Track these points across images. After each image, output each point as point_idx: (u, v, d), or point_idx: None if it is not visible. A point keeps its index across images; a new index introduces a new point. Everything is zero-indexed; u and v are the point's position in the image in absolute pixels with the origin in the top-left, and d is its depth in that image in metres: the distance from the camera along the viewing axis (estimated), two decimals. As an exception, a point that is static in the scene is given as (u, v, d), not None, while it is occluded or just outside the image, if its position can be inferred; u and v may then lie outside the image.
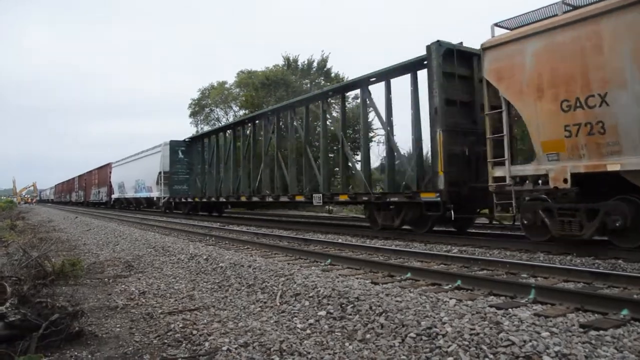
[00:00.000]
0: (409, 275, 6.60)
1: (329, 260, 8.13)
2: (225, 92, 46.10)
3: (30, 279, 5.73)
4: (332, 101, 20.47)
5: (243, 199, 19.72)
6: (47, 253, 8.01)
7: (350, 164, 16.22)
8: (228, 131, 23.04)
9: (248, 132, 20.97)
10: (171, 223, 19.42)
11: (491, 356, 3.44)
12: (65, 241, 14.09)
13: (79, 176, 59.77)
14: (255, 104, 38.05)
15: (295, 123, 17.54)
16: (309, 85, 39.23)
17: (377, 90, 13.46)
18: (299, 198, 16.13)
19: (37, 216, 32.58)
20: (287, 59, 43.14)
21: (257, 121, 20.37)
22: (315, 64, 42.47)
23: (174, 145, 26.89)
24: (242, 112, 41.17)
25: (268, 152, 19.10)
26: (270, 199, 17.73)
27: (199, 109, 48.46)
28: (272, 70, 41.78)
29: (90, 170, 52.19)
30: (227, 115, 45.89)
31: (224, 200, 21.69)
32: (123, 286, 7.06)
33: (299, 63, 42.91)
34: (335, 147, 21.20)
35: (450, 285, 5.91)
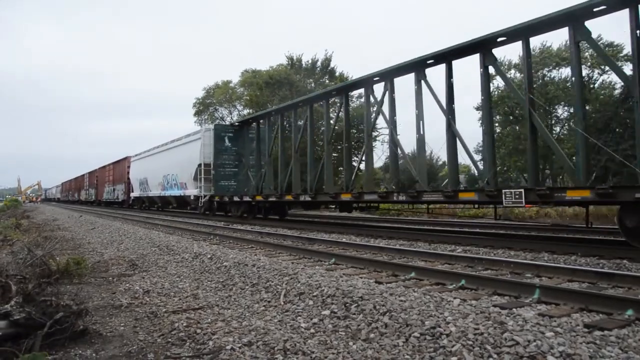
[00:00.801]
0: (413, 274, 6.59)
1: (333, 260, 8.13)
2: (230, 92, 46.16)
3: (34, 278, 5.74)
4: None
5: (345, 197, 13.99)
6: (52, 252, 8.03)
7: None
8: (300, 109, 17.36)
9: (336, 111, 15.75)
10: (175, 222, 19.45)
11: (495, 356, 3.43)
12: (70, 240, 14.15)
13: (90, 173, 53.05)
14: (259, 103, 38.11)
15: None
16: (313, 85, 39.24)
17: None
18: (467, 196, 10.47)
19: (41, 215, 32.71)
20: (290, 59, 43.19)
21: (355, 91, 16.08)
22: (319, 63, 42.50)
23: (219, 131, 21.76)
24: (246, 112, 41.21)
25: (371, 134, 14.76)
26: (402, 197, 12.06)
27: (203, 108, 48.54)
28: (276, 69, 41.81)
29: (103, 166, 45.28)
30: (231, 114, 45.97)
31: (309, 199, 15.61)
32: (127, 285, 7.08)
33: (303, 62, 42.95)
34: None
35: (454, 285, 5.90)
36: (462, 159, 11.33)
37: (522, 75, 29.08)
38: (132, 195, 34.72)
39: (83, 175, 58.56)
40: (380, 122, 18.24)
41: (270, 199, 17.72)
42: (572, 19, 8.85)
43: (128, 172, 35.77)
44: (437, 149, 11.82)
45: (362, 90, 15.18)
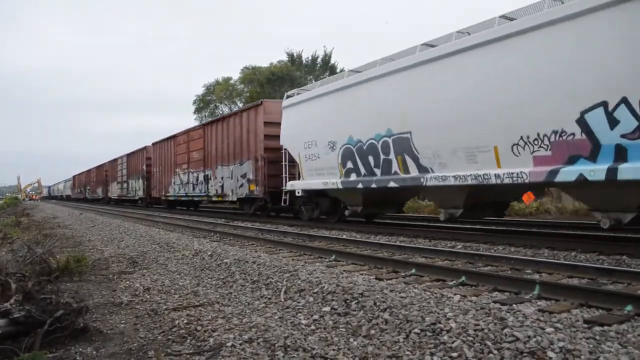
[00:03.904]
0: (413, 271, 6.59)
1: (333, 256, 8.12)
2: (230, 88, 46.18)
3: (34, 276, 5.75)
4: None
5: None
6: (52, 249, 8.04)
7: None
8: None
9: None
10: (175, 219, 19.45)
11: (495, 352, 3.43)
12: (70, 237, 14.15)
13: (129, 155, 34.78)
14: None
15: None
16: (314, 81, 39.32)
17: None
18: None
19: (41, 213, 32.71)
20: (290, 55, 43.22)
21: None
22: (319, 60, 42.52)
23: None
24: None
25: None
26: None
27: (203, 105, 48.56)
28: (277, 66, 41.85)
29: (169, 137, 26.57)
30: (231, 111, 46.08)
31: None
32: (127, 282, 7.08)
33: (303, 59, 42.99)
34: None
35: (454, 281, 5.90)
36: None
37: None
38: (296, 187, 15.02)
39: (115, 160, 39.16)
40: None
41: None
42: None
43: (259, 138, 17.19)
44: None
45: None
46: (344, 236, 11.20)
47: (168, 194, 26.34)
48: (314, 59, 42.72)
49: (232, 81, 46.75)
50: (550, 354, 3.26)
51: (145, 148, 31.28)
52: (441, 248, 8.57)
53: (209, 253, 8.73)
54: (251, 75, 42.76)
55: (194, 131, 23.39)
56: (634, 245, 7.87)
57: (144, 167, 30.87)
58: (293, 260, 7.86)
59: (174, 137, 25.97)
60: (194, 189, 22.79)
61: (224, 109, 46.88)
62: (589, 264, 6.53)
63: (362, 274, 6.43)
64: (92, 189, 49.32)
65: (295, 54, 43.17)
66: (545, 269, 6.43)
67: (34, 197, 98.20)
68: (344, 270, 6.69)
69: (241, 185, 18.24)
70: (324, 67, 42.28)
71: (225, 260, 7.91)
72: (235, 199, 19.01)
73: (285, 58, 43.56)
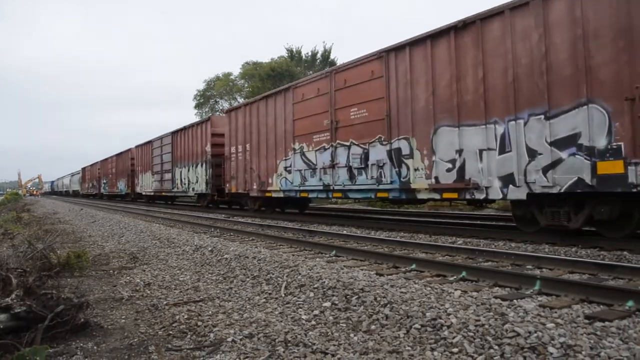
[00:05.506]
0: (413, 266, 6.59)
1: (333, 252, 8.13)
2: (230, 84, 46.16)
3: (35, 271, 5.75)
4: None
5: None
6: (53, 245, 8.04)
7: None
8: None
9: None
10: (176, 215, 19.45)
11: (496, 347, 3.43)
12: (71, 233, 14.16)
13: (174, 134, 25.19)
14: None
15: None
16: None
17: None
18: None
19: (42, 208, 32.73)
20: (290, 51, 43.17)
21: None
22: (319, 55, 42.48)
23: None
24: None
25: None
26: None
27: (204, 100, 48.54)
28: (277, 61, 41.82)
29: (274, 93, 15.92)
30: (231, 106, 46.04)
31: None
32: (128, 278, 7.09)
33: (303, 54, 42.95)
34: None
35: (455, 277, 5.90)
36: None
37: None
38: None
39: (148, 143, 29.33)
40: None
41: None
42: None
43: None
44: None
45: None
46: (344, 232, 11.19)
47: (270, 188, 16.15)
48: (314, 54, 42.70)
49: (232, 76, 46.75)
50: (551, 349, 3.26)
51: (209, 119, 21.58)
52: (441, 243, 8.56)
53: (210, 248, 8.74)
54: (252, 70, 42.75)
55: (353, 69, 12.57)
56: (635, 240, 7.86)
57: (207, 149, 21.08)
58: (293, 255, 7.86)
59: (287, 89, 15.38)
60: (351, 177, 12.54)
61: (224, 104, 46.88)
62: (589, 260, 6.52)
63: (362, 270, 6.43)
64: (111, 182, 39.10)
65: (294, 50, 43.15)
66: (546, 265, 6.43)
67: (34, 192, 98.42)
68: (344, 266, 6.69)
69: (557, 161, 7.93)
70: (323, 63, 42.26)
71: (225, 256, 7.91)
72: (522, 196, 8.51)
73: (285, 54, 43.55)
